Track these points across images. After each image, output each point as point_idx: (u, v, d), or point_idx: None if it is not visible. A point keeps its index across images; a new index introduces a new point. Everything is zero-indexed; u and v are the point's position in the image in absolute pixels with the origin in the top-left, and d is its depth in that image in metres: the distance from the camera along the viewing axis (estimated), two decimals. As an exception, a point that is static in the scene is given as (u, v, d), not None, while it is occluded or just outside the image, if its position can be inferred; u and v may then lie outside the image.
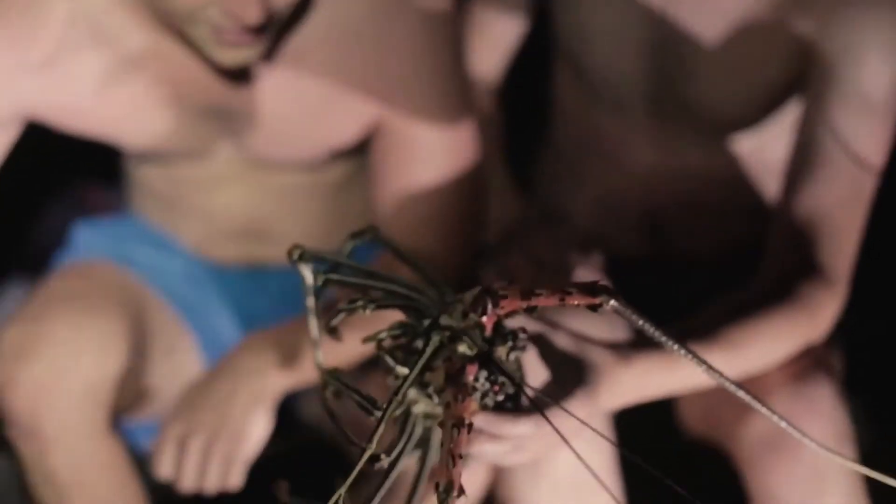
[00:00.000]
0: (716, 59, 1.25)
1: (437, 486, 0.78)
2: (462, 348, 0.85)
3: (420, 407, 0.94)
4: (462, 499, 0.77)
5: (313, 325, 0.97)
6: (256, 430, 1.23)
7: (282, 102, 1.27)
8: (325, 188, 1.42)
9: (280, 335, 1.26)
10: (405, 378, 0.81)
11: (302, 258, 0.93)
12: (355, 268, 0.93)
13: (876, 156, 1.17)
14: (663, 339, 0.86)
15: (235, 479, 1.22)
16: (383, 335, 0.89)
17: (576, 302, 0.82)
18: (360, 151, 1.37)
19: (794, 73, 1.23)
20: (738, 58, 1.24)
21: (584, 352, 1.00)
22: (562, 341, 1.00)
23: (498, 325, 0.88)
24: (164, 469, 1.23)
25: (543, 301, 0.83)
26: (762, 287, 1.15)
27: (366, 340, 0.89)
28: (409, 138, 1.29)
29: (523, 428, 0.94)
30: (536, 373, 1.00)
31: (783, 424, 0.88)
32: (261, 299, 1.46)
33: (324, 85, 1.27)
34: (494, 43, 1.47)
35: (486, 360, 0.84)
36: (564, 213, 1.46)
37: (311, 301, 0.96)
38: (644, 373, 1.02)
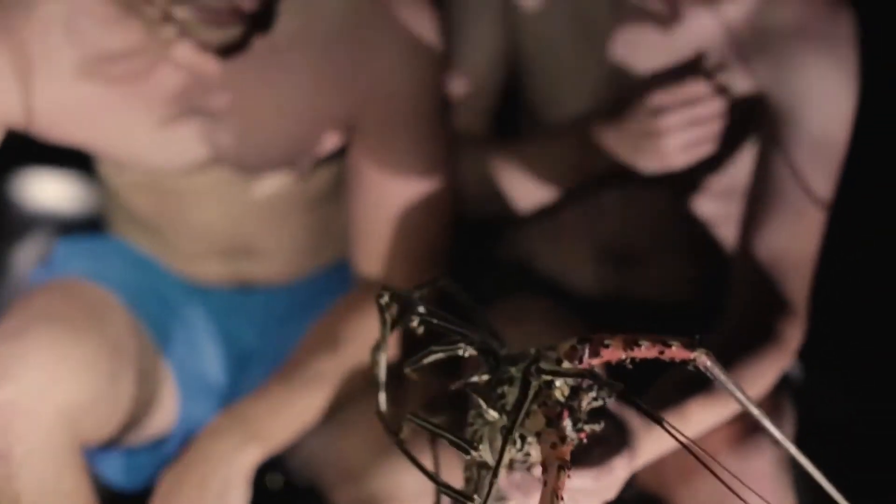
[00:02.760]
0: None
1: None
2: (556, 394, 0.87)
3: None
4: None
5: (383, 363, 0.98)
6: None
7: (258, 97, 1.28)
8: (307, 200, 1.42)
9: (246, 408, 1.25)
10: (510, 423, 0.84)
11: (389, 301, 0.94)
12: (431, 311, 0.95)
13: (827, 191, 1.26)
14: (749, 404, 0.89)
15: None
16: (474, 378, 0.91)
17: (673, 356, 0.86)
18: (342, 159, 1.37)
19: (749, 113, 1.30)
20: None
21: (622, 412, 1.04)
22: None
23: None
24: None
25: (643, 353, 0.86)
26: (732, 329, 1.22)
27: (455, 386, 0.91)
28: (383, 147, 1.31)
29: (582, 481, 0.97)
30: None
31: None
32: (246, 321, 1.45)
33: (301, 81, 1.28)
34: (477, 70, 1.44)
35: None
36: (530, 256, 1.48)
37: (383, 347, 0.97)
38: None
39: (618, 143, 1.26)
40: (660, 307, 1.43)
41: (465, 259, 1.55)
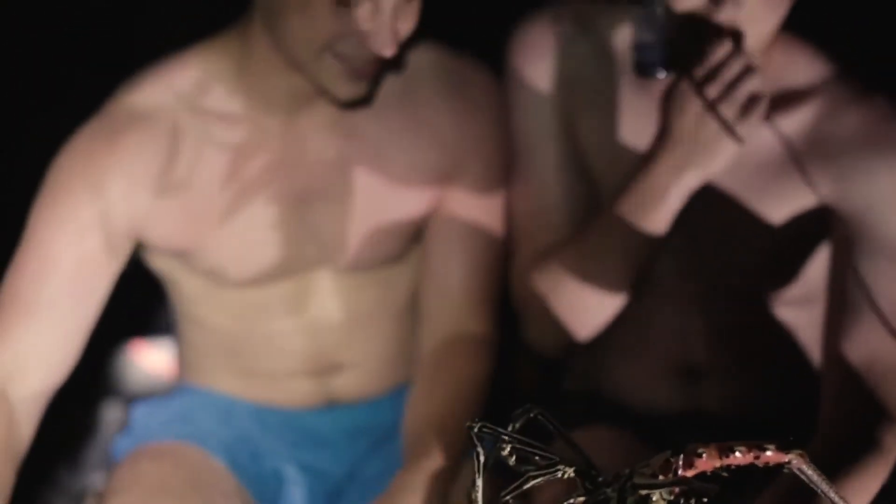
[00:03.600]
0: (739, 217, 1.33)
1: None
2: None
3: None
4: None
5: (480, 498, 0.98)
6: None
7: (361, 164, 1.36)
8: (390, 308, 1.45)
9: None
10: None
11: (480, 432, 0.95)
12: (523, 441, 0.96)
13: None
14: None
15: None
16: (570, 502, 0.91)
17: (768, 460, 0.86)
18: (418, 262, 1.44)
19: (817, 222, 1.30)
20: (761, 216, 1.32)
21: None
22: None
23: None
24: None
25: (740, 459, 0.87)
26: (830, 438, 1.19)
27: None
28: (472, 197, 1.40)
29: None
30: None
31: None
32: (333, 449, 1.46)
33: (402, 139, 1.36)
34: None
35: None
36: (598, 381, 1.48)
37: (479, 481, 0.98)
38: None
39: (678, 154, 1.23)
40: (733, 421, 1.41)
41: (533, 394, 1.57)
